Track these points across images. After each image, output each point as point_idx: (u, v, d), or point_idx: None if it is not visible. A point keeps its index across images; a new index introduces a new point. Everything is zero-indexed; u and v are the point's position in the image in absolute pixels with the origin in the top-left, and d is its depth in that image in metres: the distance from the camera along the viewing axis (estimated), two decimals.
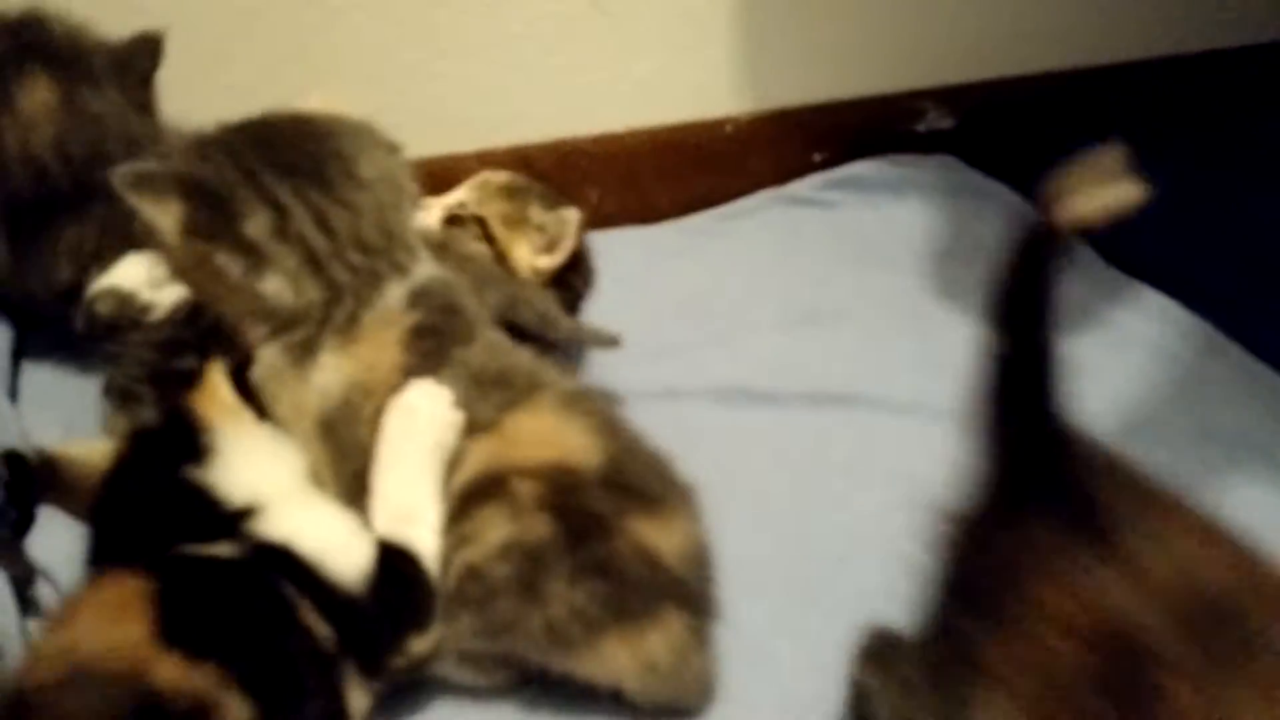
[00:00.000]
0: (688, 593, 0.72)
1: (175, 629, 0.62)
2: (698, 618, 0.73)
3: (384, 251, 0.75)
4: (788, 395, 1.00)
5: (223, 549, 0.69)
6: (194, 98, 0.93)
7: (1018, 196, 1.29)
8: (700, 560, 0.75)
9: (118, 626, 0.62)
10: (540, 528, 0.70)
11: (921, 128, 1.35)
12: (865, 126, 1.32)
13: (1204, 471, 0.93)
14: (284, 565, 0.68)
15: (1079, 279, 1.15)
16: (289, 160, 0.75)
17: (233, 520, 0.70)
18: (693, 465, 0.92)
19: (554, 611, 0.69)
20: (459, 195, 0.98)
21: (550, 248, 0.95)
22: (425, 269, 0.78)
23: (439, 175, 1.05)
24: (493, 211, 0.95)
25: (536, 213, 0.96)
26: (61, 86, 0.94)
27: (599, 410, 0.78)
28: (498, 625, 0.70)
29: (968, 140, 1.35)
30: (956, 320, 1.10)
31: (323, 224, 0.74)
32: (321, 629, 0.68)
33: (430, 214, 0.95)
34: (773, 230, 1.24)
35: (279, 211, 0.73)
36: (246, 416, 0.74)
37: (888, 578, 0.83)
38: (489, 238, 0.95)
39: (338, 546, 0.70)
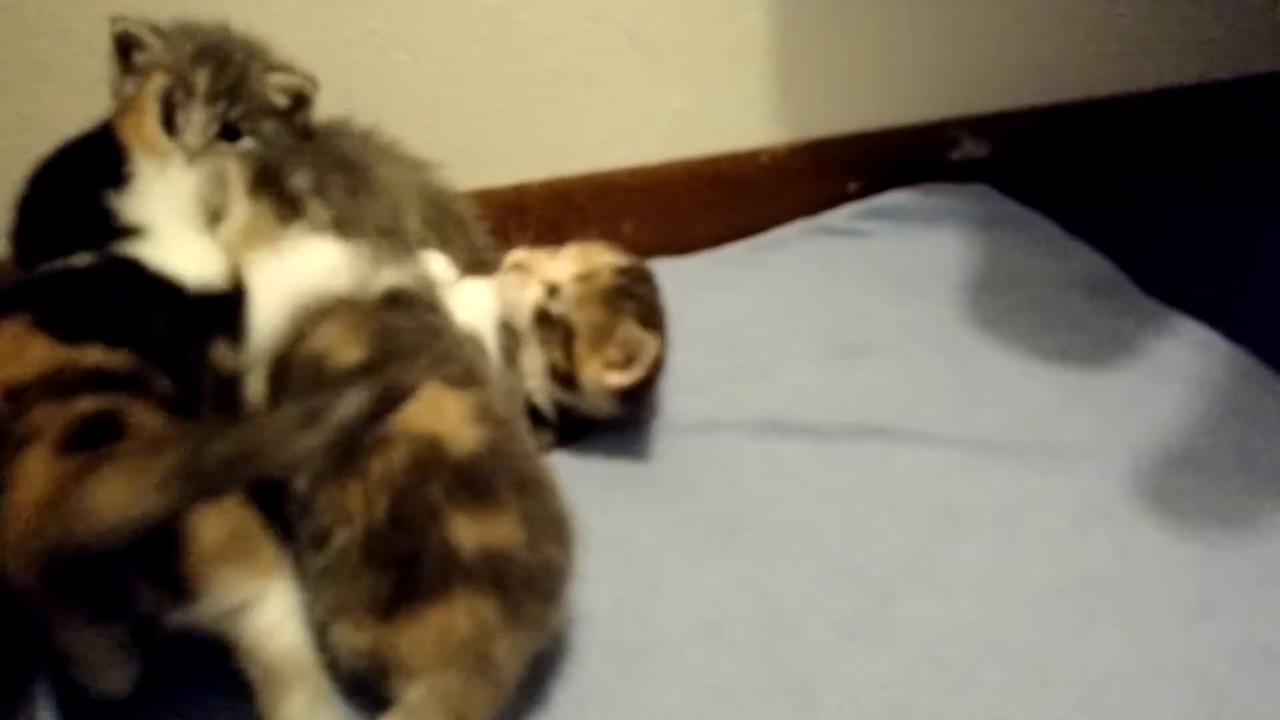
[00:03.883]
0: (482, 583, 0.72)
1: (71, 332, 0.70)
2: (503, 614, 0.71)
3: None
4: (827, 427, 1.00)
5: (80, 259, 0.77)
6: None
7: (1053, 224, 1.29)
8: (513, 560, 0.73)
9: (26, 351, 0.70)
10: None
11: (956, 156, 1.35)
12: (900, 156, 1.32)
13: (1247, 500, 0.92)
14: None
15: (1120, 311, 1.16)
16: None
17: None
18: (732, 498, 0.93)
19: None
20: (562, 272, 0.95)
21: (624, 366, 0.93)
22: None
23: (478, 206, 1.07)
24: (585, 320, 0.93)
25: (625, 329, 0.93)
26: None
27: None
28: None
29: (1002, 168, 1.35)
30: (994, 349, 1.11)
31: None
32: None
33: (525, 296, 0.95)
34: (808, 260, 1.24)
35: None
36: (165, 147, 0.83)
37: (931, 611, 0.83)
38: (568, 345, 0.93)
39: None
